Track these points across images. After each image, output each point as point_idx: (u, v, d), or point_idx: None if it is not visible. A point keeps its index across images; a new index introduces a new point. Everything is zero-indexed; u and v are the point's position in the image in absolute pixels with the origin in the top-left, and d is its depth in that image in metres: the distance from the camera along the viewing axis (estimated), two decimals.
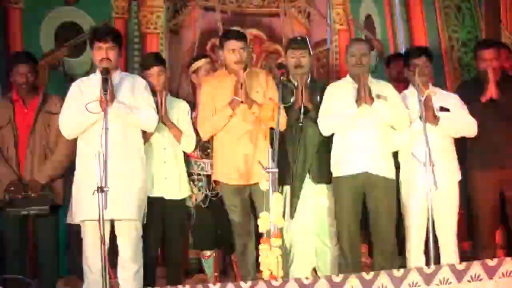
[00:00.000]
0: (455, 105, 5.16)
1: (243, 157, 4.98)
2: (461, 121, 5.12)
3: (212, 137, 5.16)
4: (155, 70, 5.21)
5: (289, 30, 6.94)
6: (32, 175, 5.11)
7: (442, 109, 5.08)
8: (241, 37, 5.09)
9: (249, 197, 5.08)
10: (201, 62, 5.54)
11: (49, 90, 5.45)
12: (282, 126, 4.97)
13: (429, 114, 4.98)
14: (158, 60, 5.31)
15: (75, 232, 4.98)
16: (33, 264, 5.36)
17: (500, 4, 6.07)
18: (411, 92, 5.19)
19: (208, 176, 5.34)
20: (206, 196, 5.34)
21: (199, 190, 5.35)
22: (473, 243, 5.39)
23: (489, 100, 5.20)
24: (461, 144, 5.24)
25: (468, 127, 5.14)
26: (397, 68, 5.86)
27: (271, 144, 4.96)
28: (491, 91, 5.20)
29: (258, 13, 7.11)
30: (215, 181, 5.23)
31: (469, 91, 5.32)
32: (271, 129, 4.99)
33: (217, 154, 5.15)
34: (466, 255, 5.26)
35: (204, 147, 5.35)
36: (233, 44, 5.02)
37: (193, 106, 5.41)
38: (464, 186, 5.23)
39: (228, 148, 5.05)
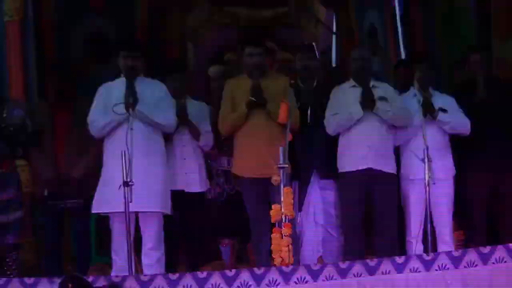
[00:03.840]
0: (452, 106, 5.33)
1: (261, 153, 5.09)
2: (456, 118, 5.29)
3: (233, 135, 5.38)
4: None
5: (299, 39, 7.15)
6: (69, 170, 5.35)
7: (441, 110, 5.24)
8: (258, 44, 5.47)
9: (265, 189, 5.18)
10: (215, 68, 5.90)
11: (78, 93, 5.71)
12: (295, 125, 5.16)
13: (429, 112, 5.18)
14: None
15: None
16: (68, 253, 5.65)
17: (491, 10, 6.25)
18: (411, 94, 5.39)
19: (226, 172, 5.62)
20: (224, 190, 5.64)
21: (217, 185, 5.62)
22: (467, 232, 5.58)
23: (480, 102, 5.38)
24: (456, 142, 5.39)
25: (463, 124, 5.28)
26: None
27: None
28: (481, 93, 5.39)
29: (269, 25, 7.35)
30: (234, 175, 5.46)
31: (461, 94, 5.48)
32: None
33: (237, 150, 5.37)
34: (460, 244, 5.47)
35: (222, 145, 5.61)
36: (251, 49, 5.39)
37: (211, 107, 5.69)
38: (459, 181, 5.37)
39: (247, 145, 5.26)
